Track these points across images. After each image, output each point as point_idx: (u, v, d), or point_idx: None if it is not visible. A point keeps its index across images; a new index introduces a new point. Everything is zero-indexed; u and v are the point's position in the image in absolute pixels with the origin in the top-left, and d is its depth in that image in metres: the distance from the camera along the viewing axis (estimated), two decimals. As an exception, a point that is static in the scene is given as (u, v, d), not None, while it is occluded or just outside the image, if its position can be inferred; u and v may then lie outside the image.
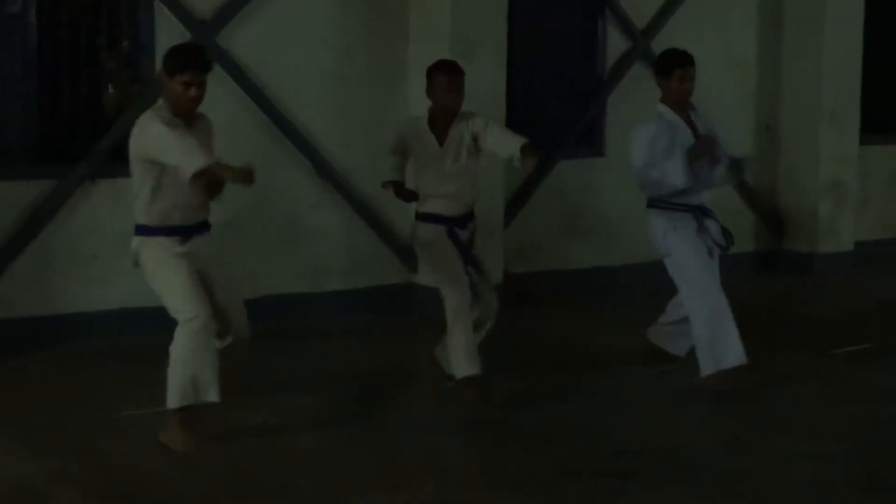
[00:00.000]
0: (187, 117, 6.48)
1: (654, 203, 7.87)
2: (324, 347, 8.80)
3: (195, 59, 6.51)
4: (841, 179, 12.03)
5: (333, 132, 9.76)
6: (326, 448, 6.51)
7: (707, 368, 7.62)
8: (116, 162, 8.41)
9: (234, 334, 6.76)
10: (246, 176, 6.19)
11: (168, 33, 8.94)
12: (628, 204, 10.77)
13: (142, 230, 6.54)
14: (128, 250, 6.64)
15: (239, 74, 9.28)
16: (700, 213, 7.82)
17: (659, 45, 11.25)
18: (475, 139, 7.36)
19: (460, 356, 7.14)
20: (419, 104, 9.86)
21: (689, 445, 6.62)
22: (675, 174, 7.56)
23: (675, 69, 7.79)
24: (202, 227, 6.65)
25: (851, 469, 6.29)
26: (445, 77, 7.33)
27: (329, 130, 9.73)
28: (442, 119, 7.37)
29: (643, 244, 8.59)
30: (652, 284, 8.75)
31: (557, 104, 10.97)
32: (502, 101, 9.94)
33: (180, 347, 6.38)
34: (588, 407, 7.37)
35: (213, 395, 6.43)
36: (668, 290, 7.96)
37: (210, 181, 6.49)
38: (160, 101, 6.54)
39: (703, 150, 7.63)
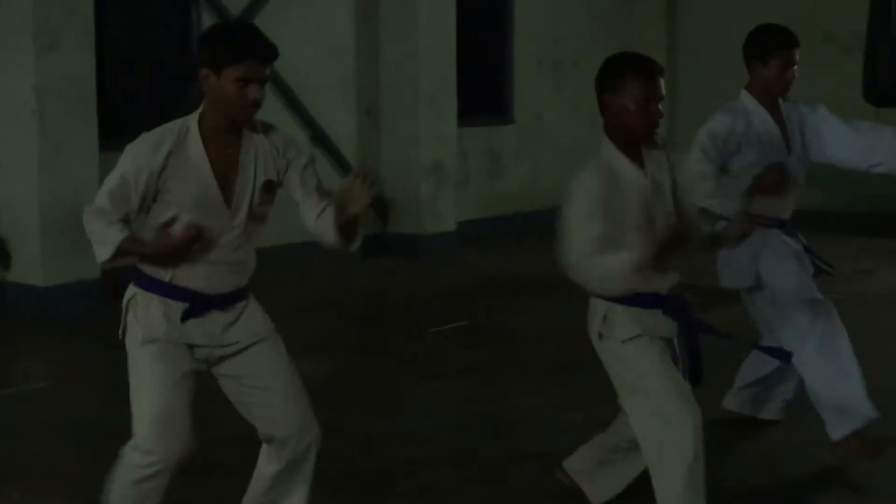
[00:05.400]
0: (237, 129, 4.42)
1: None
2: None
3: (254, 42, 4.30)
4: (441, 161, 12.32)
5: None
6: None
7: None
8: None
9: (287, 445, 4.56)
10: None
11: None
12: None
13: (139, 280, 4.43)
14: None
15: None
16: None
17: (255, 32, 11.21)
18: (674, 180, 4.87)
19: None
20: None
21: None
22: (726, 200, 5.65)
23: (775, 51, 5.85)
24: (234, 297, 4.51)
25: (443, 446, 6.40)
26: (641, 82, 4.57)
27: None
28: (628, 147, 4.71)
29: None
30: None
31: (152, 93, 10.76)
32: (92, 90, 9.61)
33: (119, 479, 4.35)
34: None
35: None
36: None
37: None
38: (202, 108, 4.47)
39: (768, 187, 5.68)
